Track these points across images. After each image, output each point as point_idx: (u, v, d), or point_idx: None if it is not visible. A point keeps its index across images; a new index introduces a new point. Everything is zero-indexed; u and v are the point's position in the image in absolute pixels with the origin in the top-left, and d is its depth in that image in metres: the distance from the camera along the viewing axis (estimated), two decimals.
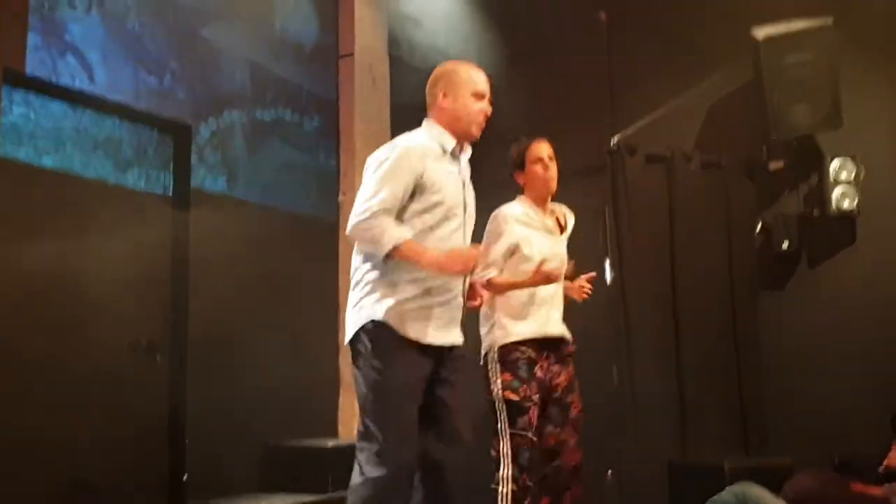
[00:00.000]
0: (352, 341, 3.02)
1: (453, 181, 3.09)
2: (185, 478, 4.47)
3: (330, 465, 4.68)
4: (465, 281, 3.12)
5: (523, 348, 3.68)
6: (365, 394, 2.93)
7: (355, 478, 2.89)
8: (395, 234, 2.87)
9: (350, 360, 3.06)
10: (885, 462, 3.98)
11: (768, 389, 5.19)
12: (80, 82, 4.26)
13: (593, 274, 3.95)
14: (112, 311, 4.23)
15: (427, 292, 2.96)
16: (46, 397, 3.90)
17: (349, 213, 3.02)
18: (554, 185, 3.89)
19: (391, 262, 2.91)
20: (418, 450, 2.93)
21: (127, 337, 4.36)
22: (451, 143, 3.11)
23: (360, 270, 3.03)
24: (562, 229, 3.97)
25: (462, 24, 5.74)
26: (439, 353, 3.01)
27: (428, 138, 3.11)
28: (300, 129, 5.69)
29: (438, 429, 2.99)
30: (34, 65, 4.04)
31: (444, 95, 3.14)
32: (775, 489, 3.54)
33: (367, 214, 2.90)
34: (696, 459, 4.77)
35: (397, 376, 2.90)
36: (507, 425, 3.60)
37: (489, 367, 3.71)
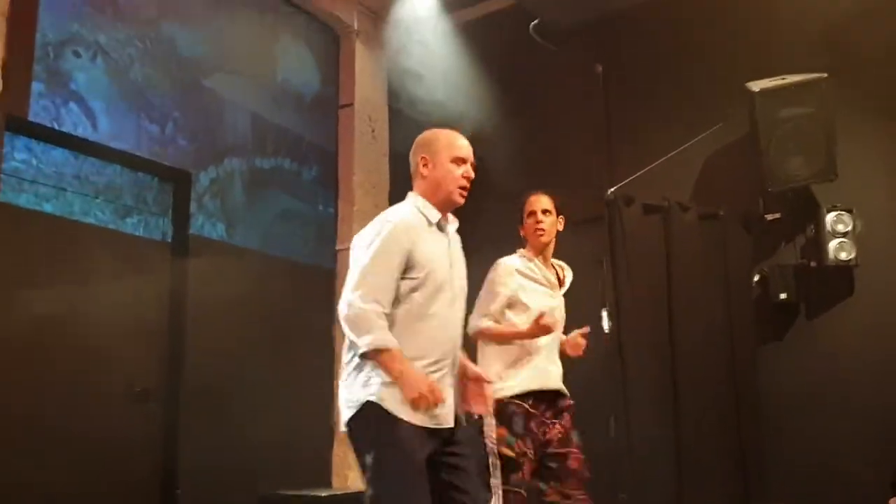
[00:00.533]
0: (351, 420, 2.92)
1: (440, 256, 3.03)
2: None
3: None
4: (454, 359, 3.04)
5: (518, 401, 3.63)
6: (370, 477, 2.83)
7: None
8: (380, 337, 2.80)
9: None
10: None
11: (767, 440, 5.14)
12: (83, 130, 4.31)
13: (587, 329, 3.92)
14: (107, 357, 4.23)
15: (421, 370, 2.88)
16: (37, 444, 3.88)
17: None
18: (546, 238, 3.88)
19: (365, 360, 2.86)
20: None
21: (121, 383, 4.35)
22: (435, 215, 3.06)
23: (349, 351, 2.96)
24: (560, 284, 3.97)
25: (460, 77, 5.81)
26: (438, 437, 2.92)
27: (413, 211, 3.06)
28: (299, 178, 5.74)
29: None
30: (37, 111, 4.09)
31: (425, 164, 3.09)
32: None
33: (362, 305, 2.83)
34: None
35: (398, 455, 2.81)
36: (500, 481, 3.52)
37: (484, 420, 3.60)
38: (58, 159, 4.24)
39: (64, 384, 4.04)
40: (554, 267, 3.98)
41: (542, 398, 3.72)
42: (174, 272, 4.65)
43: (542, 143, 5.75)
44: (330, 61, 6.11)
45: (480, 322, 3.71)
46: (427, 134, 3.20)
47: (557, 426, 3.74)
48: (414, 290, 2.93)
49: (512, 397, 3.64)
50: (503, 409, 3.61)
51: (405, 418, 2.82)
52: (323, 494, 4.78)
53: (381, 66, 6.30)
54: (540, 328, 3.59)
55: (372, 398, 2.84)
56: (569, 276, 4.01)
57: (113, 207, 4.48)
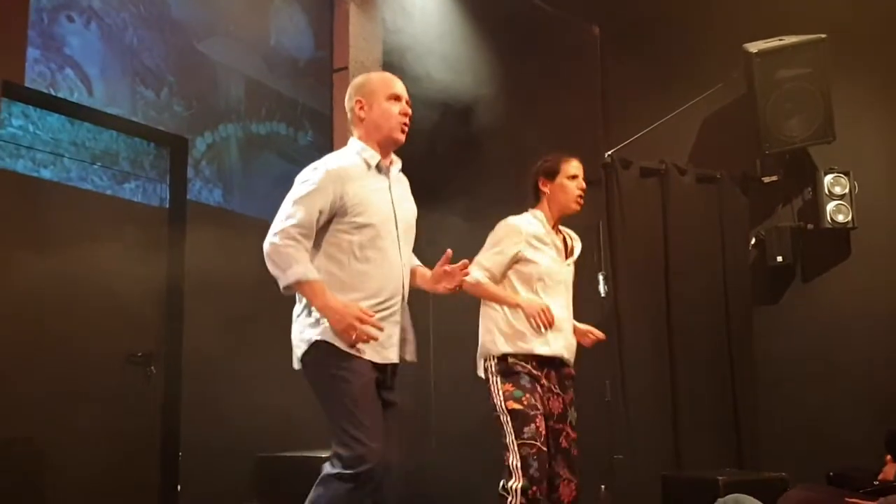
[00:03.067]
0: (303, 358, 3.00)
1: (381, 197, 3.06)
2: (178, 489, 4.46)
3: None
4: (402, 305, 3.08)
5: (523, 363, 3.59)
6: (329, 402, 2.91)
7: (325, 473, 2.87)
8: (300, 269, 2.85)
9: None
10: (879, 476, 3.98)
11: (763, 403, 5.20)
12: (78, 95, 4.28)
13: (602, 336, 3.87)
14: (108, 322, 4.24)
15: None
16: (39, 409, 3.90)
17: None
18: (579, 205, 3.80)
19: (290, 293, 2.91)
20: None
21: (122, 349, 4.36)
22: (374, 157, 3.08)
23: (299, 298, 3.03)
24: (568, 253, 3.86)
25: (455, 40, 5.77)
26: (380, 370, 2.98)
27: (350, 157, 3.09)
28: (295, 143, 5.71)
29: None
30: (33, 78, 4.06)
31: (361, 107, 3.12)
32: (769, 503, 3.54)
33: (282, 240, 2.89)
34: (690, 474, 4.76)
35: (358, 380, 2.88)
36: (513, 437, 3.49)
37: (490, 379, 3.63)
38: (54, 125, 4.21)
39: (64, 350, 4.04)
40: (563, 235, 3.87)
41: (546, 363, 3.67)
42: (172, 238, 4.65)
43: (538, 106, 5.73)
44: (324, 24, 6.06)
45: (477, 274, 3.60)
46: (359, 78, 3.24)
47: (560, 399, 3.70)
48: (353, 233, 2.97)
49: (516, 356, 3.59)
50: (509, 366, 3.59)
51: (354, 353, 2.89)
52: (322, 455, 4.81)
53: (376, 29, 6.24)
54: (537, 313, 3.49)
55: (320, 337, 2.91)
56: (577, 245, 3.90)
57: (111, 173, 4.47)
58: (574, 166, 3.82)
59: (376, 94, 3.11)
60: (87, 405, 4.11)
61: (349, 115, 3.19)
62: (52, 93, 4.14)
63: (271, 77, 5.57)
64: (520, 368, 3.58)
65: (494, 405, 3.60)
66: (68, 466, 4.00)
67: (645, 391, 5.20)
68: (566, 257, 3.83)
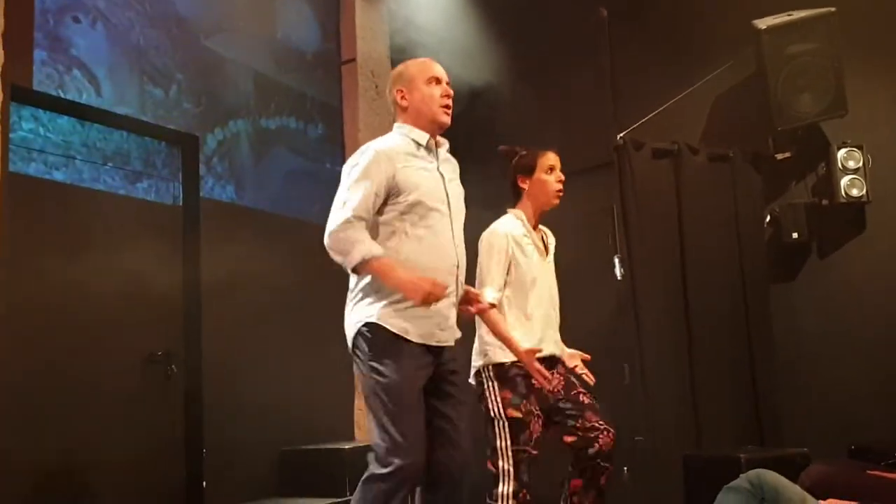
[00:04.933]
0: (352, 346, 3.02)
1: (431, 177, 3.06)
2: (203, 485, 4.49)
3: (347, 467, 4.68)
4: (457, 284, 3.09)
5: (518, 365, 3.57)
6: (370, 394, 2.92)
7: (366, 474, 2.89)
8: (364, 248, 2.85)
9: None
10: None
11: (782, 380, 5.17)
12: (87, 96, 4.30)
13: (587, 356, 3.87)
14: (126, 322, 4.26)
15: None
16: (63, 410, 3.93)
17: None
18: (559, 199, 3.81)
19: (361, 275, 2.92)
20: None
21: (142, 348, 4.39)
22: (423, 136, 3.09)
23: (353, 278, 3.04)
24: (546, 251, 3.86)
25: (463, 27, 5.75)
26: (434, 355, 2.99)
27: (398, 138, 3.10)
28: (305, 137, 5.72)
29: (441, 438, 2.98)
30: (41, 80, 4.08)
31: (402, 96, 3.13)
32: (792, 479, 3.53)
33: (340, 224, 2.89)
34: (711, 452, 4.75)
35: (398, 372, 2.88)
36: (508, 443, 3.51)
37: (485, 384, 3.62)
38: (65, 127, 4.23)
39: (84, 351, 4.08)
40: (541, 233, 3.88)
41: (541, 362, 3.62)
42: (187, 235, 4.67)
43: (548, 91, 5.71)
44: (330, 17, 6.06)
45: (489, 293, 3.58)
46: (397, 68, 3.26)
47: (555, 376, 3.72)
48: (406, 211, 2.97)
49: (513, 361, 3.58)
50: (505, 372, 3.59)
51: (407, 337, 2.90)
52: (347, 447, 4.84)
53: (382, 19, 6.24)
54: (532, 365, 3.48)
55: (373, 319, 2.91)
56: (552, 242, 3.91)
57: (123, 173, 4.49)
58: (551, 158, 3.81)
59: (415, 80, 3.12)
60: (110, 406, 4.15)
61: (392, 108, 3.21)
62: (61, 94, 4.17)
63: (279, 71, 5.58)
64: (515, 372, 3.57)
65: (489, 410, 3.59)
66: (95, 467, 4.04)
67: (664, 373, 5.18)
68: (545, 255, 3.83)
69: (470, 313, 3.27)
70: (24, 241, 3.86)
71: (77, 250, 4.07)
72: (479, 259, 3.67)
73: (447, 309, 3.03)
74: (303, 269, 5.12)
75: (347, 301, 3.06)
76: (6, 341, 3.61)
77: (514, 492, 3.47)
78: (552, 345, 3.76)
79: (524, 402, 3.56)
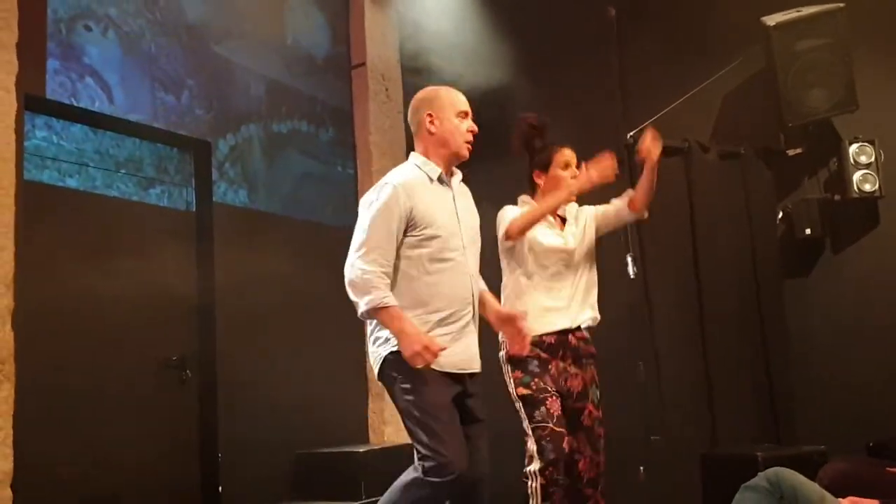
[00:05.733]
0: (380, 375, 3.09)
1: (446, 208, 3.12)
2: (219, 489, 4.50)
3: (362, 470, 4.69)
4: (473, 309, 3.14)
5: (532, 348, 3.62)
6: (409, 415, 2.97)
7: (409, 477, 2.94)
8: (376, 297, 2.90)
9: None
10: None
11: (797, 377, 5.16)
12: (99, 104, 4.33)
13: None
14: (141, 328, 4.29)
15: (437, 323, 3.01)
16: (78, 415, 3.96)
17: None
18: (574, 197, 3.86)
19: (371, 318, 2.99)
20: None
21: (157, 354, 4.41)
22: (435, 170, 3.14)
23: None
24: (562, 224, 3.94)
25: (471, 29, 5.76)
26: (459, 382, 3.05)
27: (413, 170, 3.15)
28: (316, 141, 5.74)
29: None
30: (54, 88, 4.11)
31: (431, 121, 3.16)
32: (810, 477, 3.51)
33: (360, 262, 2.95)
34: (728, 451, 4.75)
35: (431, 393, 2.95)
36: (528, 421, 3.62)
37: (503, 369, 3.74)
38: (77, 135, 4.26)
39: (99, 357, 4.10)
40: (565, 216, 3.96)
41: (559, 343, 3.72)
42: (201, 240, 4.70)
43: (557, 91, 5.71)
44: (340, 20, 6.08)
45: (511, 224, 3.69)
46: (427, 91, 3.28)
47: (579, 378, 3.76)
48: (422, 246, 3.03)
49: None
50: (517, 354, 3.63)
51: (432, 366, 2.93)
52: (361, 450, 4.85)
53: (392, 23, 6.25)
54: (601, 171, 3.64)
55: (395, 348, 2.96)
56: (568, 211, 3.97)
57: (136, 180, 4.51)
58: (566, 155, 3.89)
59: (446, 110, 3.17)
60: (126, 411, 4.17)
61: (414, 127, 3.24)
62: (74, 102, 4.19)
63: (290, 75, 5.60)
64: (527, 355, 3.62)
65: (510, 393, 3.71)
66: (111, 471, 4.06)
67: (678, 371, 5.18)
68: (561, 228, 3.89)
69: (516, 330, 3.30)
70: (39, 249, 3.89)
71: (91, 257, 4.10)
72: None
73: (468, 336, 3.11)
74: (316, 272, 5.13)
75: (369, 330, 3.11)
76: (21, 347, 3.64)
77: (540, 469, 3.55)
78: (566, 320, 3.76)
79: (534, 379, 3.64)
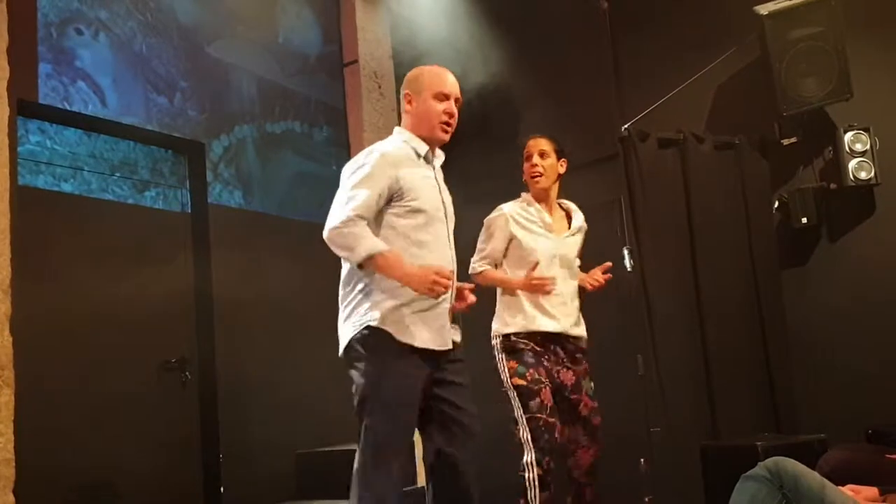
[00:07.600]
0: (346, 350, 3.01)
1: (430, 185, 3.11)
2: (221, 490, 4.51)
3: None
4: (453, 284, 3.09)
5: (525, 341, 3.73)
6: (361, 400, 2.93)
7: (355, 482, 2.90)
8: (370, 243, 2.86)
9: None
10: None
11: (796, 366, 5.16)
12: (92, 107, 4.31)
13: (608, 264, 3.95)
14: (140, 330, 4.28)
15: (417, 298, 2.94)
16: (79, 419, 3.95)
17: None
18: (543, 183, 3.89)
19: (368, 271, 2.92)
20: (431, 450, 2.99)
21: (156, 356, 4.41)
22: (423, 147, 3.13)
23: (348, 283, 3.04)
24: (567, 228, 3.98)
25: (463, 24, 5.75)
26: (435, 357, 3.00)
27: (400, 144, 3.13)
28: (310, 140, 5.73)
29: (447, 428, 3.00)
30: (46, 93, 4.10)
31: (409, 101, 3.16)
32: (810, 466, 3.51)
33: (343, 220, 2.89)
34: (728, 442, 4.75)
35: (393, 381, 2.90)
36: (521, 412, 3.66)
37: (497, 356, 3.79)
38: (71, 139, 4.25)
39: (98, 360, 4.10)
40: (563, 209, 3.99)
41: (550, 339, 3.79)
42: (197, 241, 4.69)
43: (550, 86, 5.70)
44: (331, 19, 6.06)
45: (477, 265, 3.85)
46: (413, 71, 3.25)
47: (571, 372, 3.81)
48: (407, 217, 3.00)
49: (518, 335, 3.74)
50: (513, 344, 3.75)
51: (408, 341, 2.91)
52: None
53: (383, 20, 6.24)
54: (531, 286, 3.67)
55: (373, 322, 2.91)
56: (577, 218, 4.01)
57: (130, 183, 4.51)
58: (530, 146, 3.95)
59: (423, 91, 3.14)
60: (127, 414, 4.17)
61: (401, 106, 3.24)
62: (67, 106, 4.18)
63: (282, 75, 5.59)
64: (522, 346, 3.72)
65: (502, 381, 3.75)
66: (113, 474, 4.06)
67: (677, 363, 5.17)
68: (566, 231, 3.95)
69: (463, 308, 3.23)
70: (36, 254, 3.88)
71: (87, 261, 4.09)
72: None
73: (447, 314, 3.07)
74: (313, 272, 5.11)
75: (342, 308, 3.05)
76: (19, 352, 3.63)
77: (536, 460, 3.60)
78: (568, 323, 3.84)
79: (529, 370, 3.69)
